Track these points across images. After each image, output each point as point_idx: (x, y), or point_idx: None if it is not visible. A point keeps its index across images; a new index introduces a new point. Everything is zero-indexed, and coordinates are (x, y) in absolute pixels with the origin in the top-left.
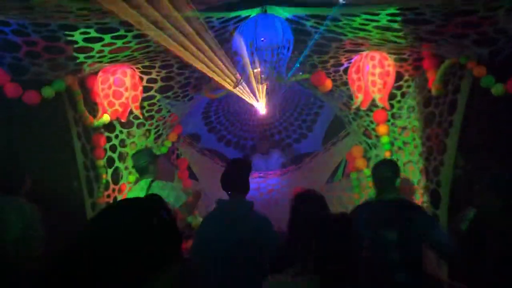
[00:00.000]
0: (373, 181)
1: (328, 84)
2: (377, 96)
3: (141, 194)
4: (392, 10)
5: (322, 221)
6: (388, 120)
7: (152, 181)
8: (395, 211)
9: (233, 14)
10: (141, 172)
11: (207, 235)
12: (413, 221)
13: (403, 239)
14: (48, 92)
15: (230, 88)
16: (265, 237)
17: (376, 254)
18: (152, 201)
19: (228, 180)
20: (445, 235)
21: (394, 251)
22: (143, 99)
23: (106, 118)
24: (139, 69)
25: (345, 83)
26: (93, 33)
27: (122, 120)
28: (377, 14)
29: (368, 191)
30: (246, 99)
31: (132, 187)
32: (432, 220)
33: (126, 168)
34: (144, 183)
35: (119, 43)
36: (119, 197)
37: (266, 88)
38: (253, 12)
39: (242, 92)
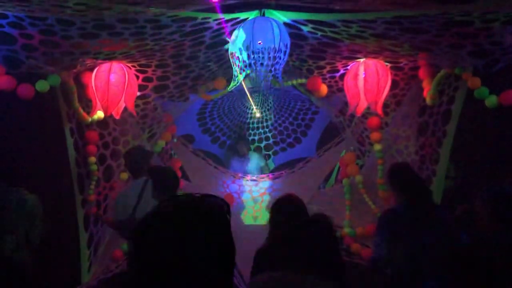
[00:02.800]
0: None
1: (324, 89)
2: (371, 104)
3: (136, 193)
4: (388, 18)
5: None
6: (382, 128)
7: (146, 180)
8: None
9: (230, 16)
10: (134, 172)
11: None
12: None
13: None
14: (42, 86)
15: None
16: None
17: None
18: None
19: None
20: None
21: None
22: (138, 98)
23: (100, 114)
24: (135, 67)
25: (341, 89)
26: (90, 29)
27: (116, 118)
28: (374, 22)
29: (359, 198)
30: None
31: (126, 186)
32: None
33: (118, 166)
34: (138, 182)
35: (115, 40)
36: (110, 195)
37: (262, 92)
38: (251, 15)
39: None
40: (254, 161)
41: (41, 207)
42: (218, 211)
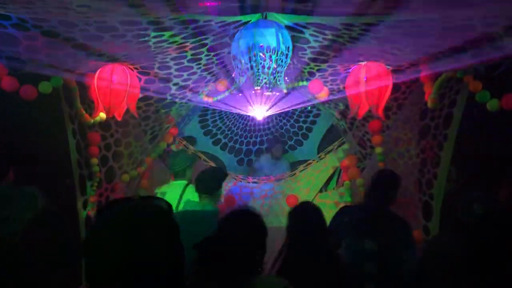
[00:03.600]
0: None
1: (325, 92)
2: (373, 107)
3: (176, 196)
4: (390, 22)
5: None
6: (383, 131)
7: (187, 184)
8: (377, 219)
9: (233, 18)
10: (177, 175)
11: None
12: (393, 231)
13: (382, 249)
14: (45, 87)
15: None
16: None
17: (351, 263)
18: (164, 205)
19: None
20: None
21: (371, 261)
22: (140, 99)
23: (102, 116)
24: (138, 69)
25: (342, 92)
26: (93, 31)
27: (118, 119)
28: (376, 25)
29: (360, 201)
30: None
31: (164, 187)
32: (410, 238)
33: (120, 167)
34: (179, 185)
35: (118, 42)
36: (112, 197)
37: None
38: (253, 18)
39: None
40: (284, 164)
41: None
42: (157, 213)
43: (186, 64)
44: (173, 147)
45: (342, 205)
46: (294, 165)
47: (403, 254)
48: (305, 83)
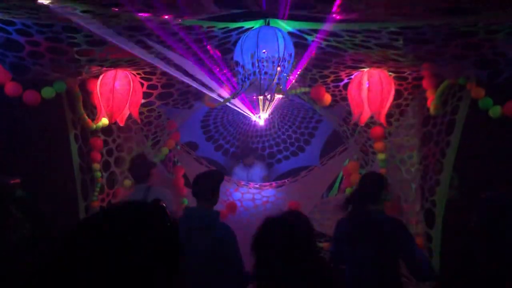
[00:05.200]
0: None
1: (327, 98)
2: (375, 113)
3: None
4: (393, 29)
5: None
6: (386, 137)
7: (149, 187)
8: (373, 225)
9: (235, 25)
10: (137, 177)
11: None
12: (389, 236)
13: (379, 254)
14: (48, 92)
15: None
16: (226, 247)
17: (351, 269)
18: (157, 207)
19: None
20: (422, 253)
21: (369, 267)
22: (143, 105)
23: (104, 121)
24: (140, 74)
25: (344, 99)
26: (96, 37)
27: (121, 125)
28: (379, 32)
29: None
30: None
31: (129, 192)
32: (408, 236)
33: (122, 172)
34: (141, 188)
35: (121, 47)
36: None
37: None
38: (256, 24)
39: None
40: (258, 170)
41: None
42: (149, 216)
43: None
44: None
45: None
46: (296, 171)
47: (407, 249)
48: (307, 89)
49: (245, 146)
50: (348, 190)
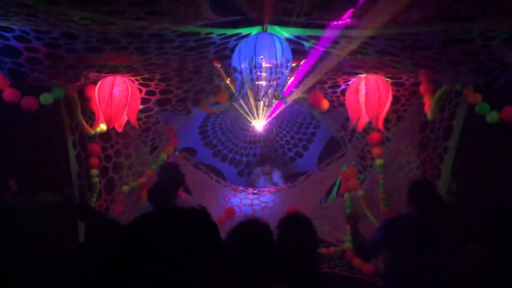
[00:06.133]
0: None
1: (325, 104)
2: (373, 119)
3: None
4: (390, 35)
5: None
6: (384, 143)
7: None
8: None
9: (233, 31)
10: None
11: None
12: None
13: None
14: (46, 98)
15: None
16: None
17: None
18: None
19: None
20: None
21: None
22: (141, 111)
23: (102, 127)
24: (138, 80)
25: (342, 104)
26: (94, 43)
27: (119, 131)
28: (376, 38)
29: (361, 212)
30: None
31: None
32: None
33: (120, 178)
34: None
35: (119, 54)
36: (112, 208)
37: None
38: (253, 30)
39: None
40: (276, 176)
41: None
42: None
43: (187, 76)
44: None
45: (342, 216)
46: (294, 177)
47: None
48: (305, 95)
49: (262, 156)
50: (347, 196)
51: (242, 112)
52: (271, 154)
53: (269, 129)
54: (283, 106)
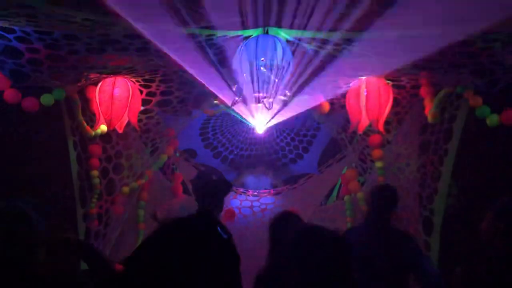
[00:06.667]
0: (369, 204)
1: (326, 106)
2: (373, 121)
3: None
4: (390, 37)
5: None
6: (384, 145)
7: None
8: (384, 239)
9: (234, 33)
10: None
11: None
12: (400, 250)
13: (389, 268)
14: (47, 99)
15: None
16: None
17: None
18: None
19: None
20: (434, 266)
21: (379, 281)
22: (141, 112)
23: (103, 128)
24: (139, 82)
25: (343, 107)
26: (96, 44)
27: (119, 132)
28: (377, 40)
29: (361, 215)
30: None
31: None
32: (420, 250)
33: (120, 179)
34: None
35: (121, 55)
36: (112, 209)
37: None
38: (254, 33)
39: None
40: (267, 178)
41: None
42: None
43: (188, 77)
44: None
45: (342, 219)
46: (294, 179)
47: (420, 266)
48: (305, 97)
49: (256, 158)
50: (347, 198)
51: (243, 114)
52: (264, 158)
53: (269, 130)
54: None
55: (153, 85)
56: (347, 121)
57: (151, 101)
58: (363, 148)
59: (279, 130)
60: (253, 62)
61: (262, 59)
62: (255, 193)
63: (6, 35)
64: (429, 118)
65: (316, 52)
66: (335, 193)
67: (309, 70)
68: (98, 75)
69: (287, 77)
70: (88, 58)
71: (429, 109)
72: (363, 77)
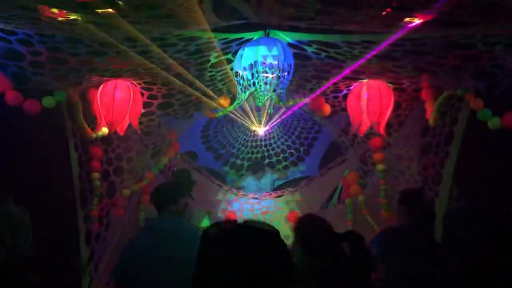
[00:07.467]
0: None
1: (327, 109)
2: (374, 124)
3: None
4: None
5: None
6: (385, 148)
7: None
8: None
9: (236, 35)
10: None
11: (133, 255)
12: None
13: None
14: (49, 102)
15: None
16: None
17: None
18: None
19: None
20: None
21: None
22: (143, 115)
23: (104, 131)
24: (141, 84)
25: (344, 109)
26: (97, 47)
27: (120, 134)
28: (377, 43)
29: (362, 218)
30: (245, 121)
31: None
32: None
33: (121, 182)
34: None
35: (122, 58)
36: (113, 211)
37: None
38: (255, 35)
39: (242, 113)
40: (267, 177)
41: (28, 219)
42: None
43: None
44: None
45: (343, 222)
46: (296, 182)
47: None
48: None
49: (255, 164)
50: (348, 201)
51: (244, 117)
52: (265, 160)
53: (270, 133)
54: (285, 111)
55: (155, 87)
56: (348, 123)
57: (152, 103)
58: (364, 151)
59: (280, 132)
60: (254, 65)
61: (263, 62)
62: (256, 196)
63: (8, 37)
64: (430, 121)
65: (317, 55)
66: (336, 196)
67: (310, 73)
68: (99, 77)
69: (288, 79)
70: (89, 60)
71: (430, 112)
72: (364, 80)
